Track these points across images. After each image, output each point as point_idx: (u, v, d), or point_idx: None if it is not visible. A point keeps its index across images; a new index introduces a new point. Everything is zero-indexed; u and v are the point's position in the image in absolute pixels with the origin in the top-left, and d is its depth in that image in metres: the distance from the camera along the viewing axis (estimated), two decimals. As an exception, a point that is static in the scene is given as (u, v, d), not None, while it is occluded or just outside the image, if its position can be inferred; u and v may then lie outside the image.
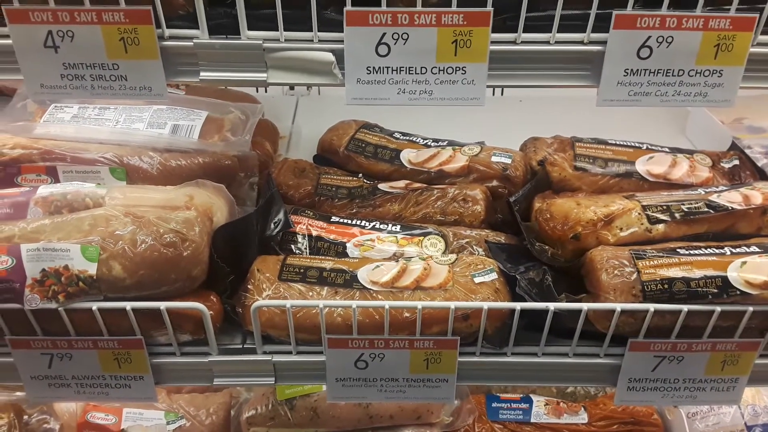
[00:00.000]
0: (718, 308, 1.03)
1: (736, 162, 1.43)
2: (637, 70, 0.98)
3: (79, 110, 1.39)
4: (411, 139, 1.50)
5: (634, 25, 0.95)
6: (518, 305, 1.05)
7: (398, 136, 1.52)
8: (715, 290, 1.02)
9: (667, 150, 1.44)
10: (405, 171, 1.44)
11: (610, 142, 1.44)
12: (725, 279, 1.03)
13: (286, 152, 1.70)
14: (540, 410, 1.55)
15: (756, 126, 1.59)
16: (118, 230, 1.02)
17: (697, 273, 1.03)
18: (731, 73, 0.99)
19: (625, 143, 1.45)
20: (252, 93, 1.99)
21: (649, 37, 0.96)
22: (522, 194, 1.30)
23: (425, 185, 1.38)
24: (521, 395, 1.59)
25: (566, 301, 1.08)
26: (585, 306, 1.04)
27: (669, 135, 1.72)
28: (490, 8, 0.92)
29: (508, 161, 1.38)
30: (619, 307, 1.02)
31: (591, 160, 1.39)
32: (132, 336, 1.07)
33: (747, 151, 1.46)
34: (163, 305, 1.03)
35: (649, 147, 1.44)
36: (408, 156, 1.45)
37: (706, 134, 1.65)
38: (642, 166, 1.39)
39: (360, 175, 1.45)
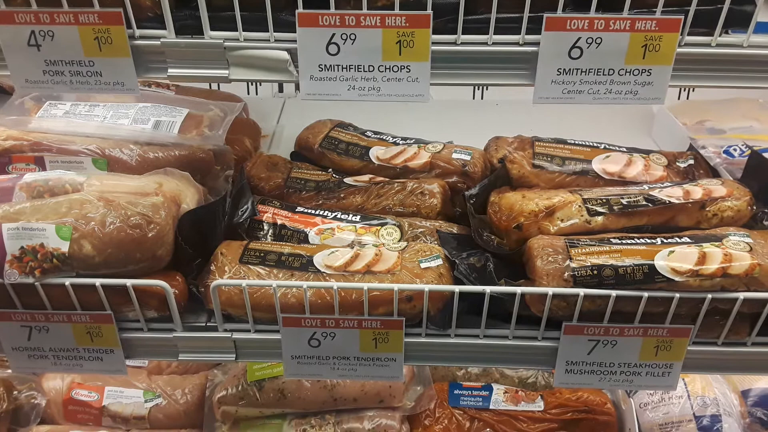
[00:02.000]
0: (646, 294, 1.08)
1: (692, 162, 1.48)
2: (570, 69, 1.05)
3: (71, 107, 1.50)
4: (381, 137, 1.58)
5: (565, 27, 1.01)
6: (457, 288, 1.12)
7: (370, 134, 1.60)
8: (642, 277, 1.08)
9: (624, 149, 1.50)
10: (373, 167, 1.52)
11: (569, 141, 1.51)
12: (652, 266, 1.08)
13: (269, 150, 1.78)
14: (499, 398, 1.60)
15: (717, 128, 1.64)
16: (90, 213, 1.12)
17: (627, 261, 1.09)
18: (660, 72, 1.05)
19: (584, 143, 1.51)
20: (243, 94, 2.10)
21: (579, 38, 1.02)
22: (479, 189, 1.37)
23: (387, 179, 1.46)
24: (483, 383, 1.65)
25: (504, 286, 1.15)
26: (519, 290, 1.11)
27: (636, 136, 1.78)
28: (429, 11, 1.00)
29: (468, 158, 1.45)
30: (551, 291, 1.09)
31: (549, 159, 1.45)
32: (102, 311, 1.16)
33: (702, 151, 1.52)
34: (129, 282, 1.12)
35: (607, 147, 1.50)
36: (376, 153, 1.53)
37: (670, 136, 1.71)
38: (598, 164, 1.45)
39: (330, 170, 1.53)
